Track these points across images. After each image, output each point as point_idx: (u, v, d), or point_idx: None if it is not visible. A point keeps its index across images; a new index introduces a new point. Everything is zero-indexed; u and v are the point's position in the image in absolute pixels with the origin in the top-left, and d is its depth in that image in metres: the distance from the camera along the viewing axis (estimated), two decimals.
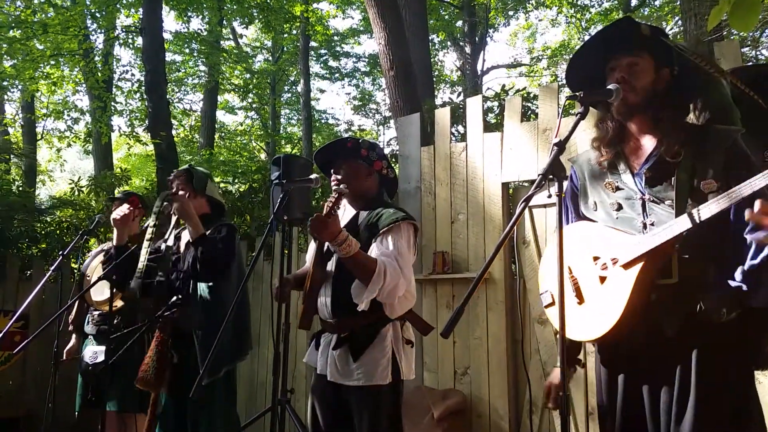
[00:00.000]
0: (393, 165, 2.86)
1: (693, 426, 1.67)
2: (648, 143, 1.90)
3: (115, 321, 3.79)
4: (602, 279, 1.87)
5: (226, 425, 3.24)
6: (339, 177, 2.65)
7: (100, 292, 3.84)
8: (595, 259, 1.90)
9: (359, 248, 2.39)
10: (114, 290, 3.34)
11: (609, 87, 1.83)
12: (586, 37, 15.95)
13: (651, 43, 1.88)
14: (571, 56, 2.11)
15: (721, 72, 1.87)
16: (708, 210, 1.64)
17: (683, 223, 1.69)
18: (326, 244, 2.56)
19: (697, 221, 1.65)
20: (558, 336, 1.62)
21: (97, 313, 4.04)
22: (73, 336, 4.37)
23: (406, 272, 2.45)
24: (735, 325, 1.71)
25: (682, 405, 1.71)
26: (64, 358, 4.32)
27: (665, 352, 1.77)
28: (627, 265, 1.80)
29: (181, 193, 3.28)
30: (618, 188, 1.92)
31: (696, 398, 1.69)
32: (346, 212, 2.71)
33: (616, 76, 1.89)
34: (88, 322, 4.13)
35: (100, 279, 3.21)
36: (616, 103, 1.88)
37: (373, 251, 2.45)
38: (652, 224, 1.80)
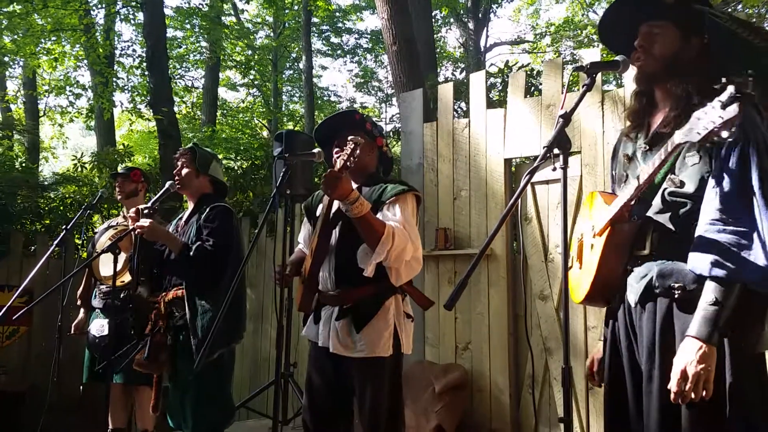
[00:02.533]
0: (395, 142, 2.85)
1: (659, 410, 1.66)
2: (663, 115, 1.86)
3: (122, 295, 3.81)
4: (592, 246, 1.91)
5: (215, 410, 3.24)
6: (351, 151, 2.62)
7: (108, 266, 3.86)
8: (593, 227, 1.94)
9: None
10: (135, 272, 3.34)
11: (616, 59, 1.81)
12: (591, 15, 15.86)
13: (675, 11, 1.81)
14: (600, 17, 2.07)
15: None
16: (642, 174, 1.68)
17: (629, 188, 1.72)
18: (330, 214, 2.55)
19: (637, 185, 1.68)
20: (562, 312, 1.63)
21: (104, 287, 4.07)
22: (81, 310, 4.40)
23: (414, 237, 2.44)
24: (696, 299, 1.64)
25: (650, 370, 1.71)
26: (72, 332, 4.36)
27: (637, 317, 1.79)
28: (600, 233, 1.83)
29: (143, 223, 3.18)
30: (630, 160, 1.92)
31: (660, 374, 1.67)
32: None
33: (636, 43, 1.86)
34: (95, 296, 4.16)
35: (104, 251, 3.22)
36: (635, 73, 1.87)
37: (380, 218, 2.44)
38: None
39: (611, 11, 2.00)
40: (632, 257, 1.80)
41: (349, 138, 2.34)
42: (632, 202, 1.75)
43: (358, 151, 2.32)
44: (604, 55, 4.00)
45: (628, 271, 1.80)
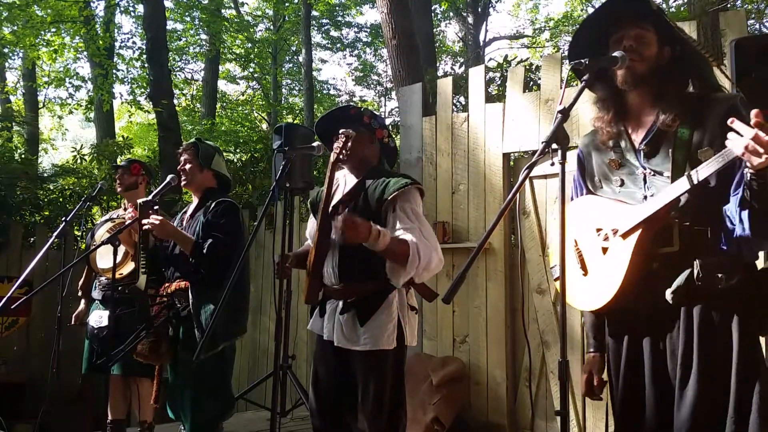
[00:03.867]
0: (394, 136, 2.87)
1: (695, 399, 1.70)
2: (648, 118, 1.92)
3: (120, 287, 3.82)
4: (604, 250, 1.90)
5: (215, 402, 3.25)
6: (342, 144, 2.63)
7: (106, 259, 3.87)
8: (598, 230, 1.93)
9: (388, 234, 2.36)
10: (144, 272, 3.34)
11: (614, 54, 1.82)
12: (590, 9, 15.81)
13: (656, 19, 1.90)
14: (577, 27, 2.10)
15: (717, 60, 1.89)
16: (702, 172, 1.67)
17: (677, 187, 1.72)
18: (329, 209, 2.56)
19: (691, 184, 1.68)
20: (561, 310, 1.64)
21: (103, 278, 4.08)
22: (82, 301, 4.42)
23: (433, 241, 2.44)
24: (738, 291, 1.73)
25: (685, 374, 1.74)
26: (72, 322, 4.37)
27: (668, 318, 1.81)
28: (625, 235, 1.83)
29: (153, 220, 3.16)
30: (621, 165, 1.94)
31: (698, 370, 1.71)
32: (347, 182, 2.70)
33: (625, 44, 1.89)
34: (95, 287, 4.17)
35: (103, 243, 3.23)
36: (621, 72, 1.88)
37: (398, 228, 2.42)
38: (652, 196, 1.83)
39: (595, 16, 2.02)
40: (656, 255, 1.81)
41: (341, 131, 2.39)
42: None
43: (349, 144, 2.34)
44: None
45: (656, 269, 1.82)
